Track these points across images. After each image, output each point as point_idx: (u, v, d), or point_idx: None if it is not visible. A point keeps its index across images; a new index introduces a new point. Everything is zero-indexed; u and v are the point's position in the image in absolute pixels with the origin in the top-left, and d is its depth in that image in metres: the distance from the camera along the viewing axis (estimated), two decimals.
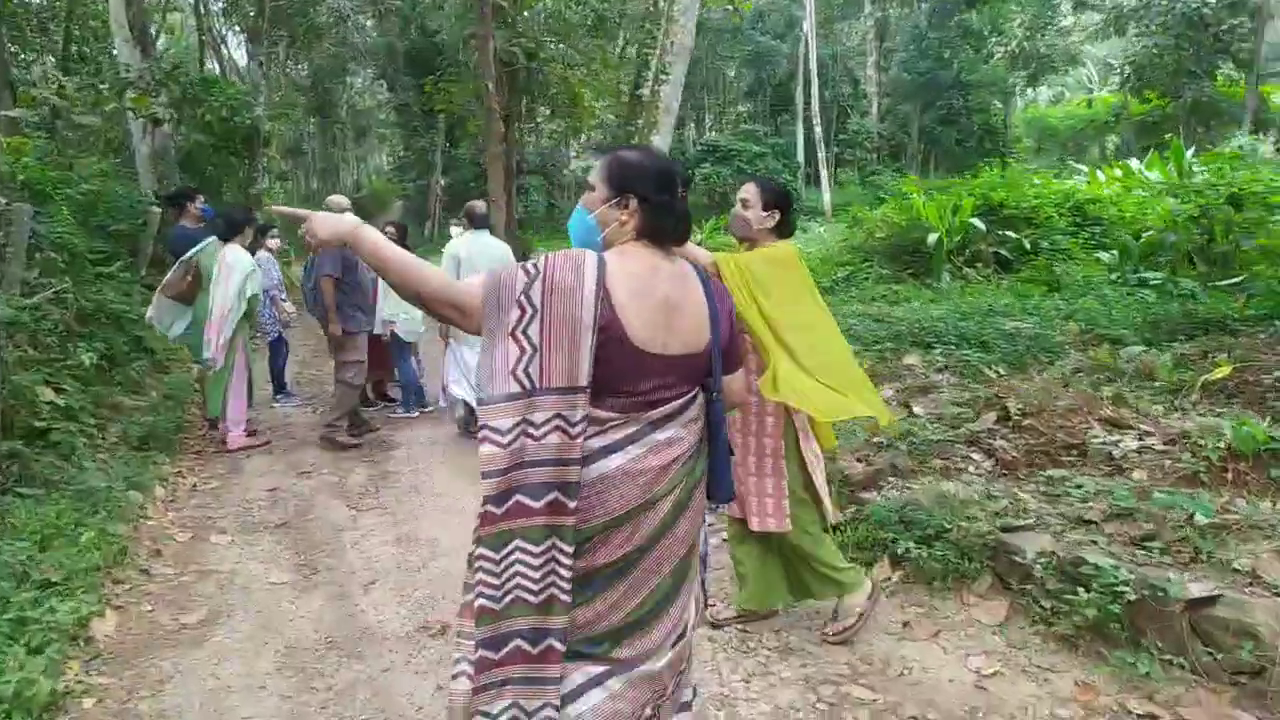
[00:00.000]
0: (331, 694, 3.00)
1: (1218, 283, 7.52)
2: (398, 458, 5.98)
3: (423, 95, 19.45)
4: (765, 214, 3.05)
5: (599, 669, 1.76)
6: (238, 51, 24.86)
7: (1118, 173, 14.37)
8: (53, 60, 13.33)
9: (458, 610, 1.85)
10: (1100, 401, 4.72)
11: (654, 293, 1.76)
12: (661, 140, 12.27)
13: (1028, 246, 10.23)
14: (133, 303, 7.34)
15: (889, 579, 3.63)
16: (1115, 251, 9.44)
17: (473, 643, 1.74)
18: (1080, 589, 2.98)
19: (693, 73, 15.24)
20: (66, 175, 8.57)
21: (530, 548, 1.68)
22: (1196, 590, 2.78)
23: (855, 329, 7.19)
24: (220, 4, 20.00)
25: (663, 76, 12.21)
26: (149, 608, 3.67)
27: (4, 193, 6.07)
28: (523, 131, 19.01)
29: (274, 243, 7.91)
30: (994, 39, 29.83)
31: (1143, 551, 3.15)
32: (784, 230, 3.11)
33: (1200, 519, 3.21)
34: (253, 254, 6.46)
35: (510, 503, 1.68)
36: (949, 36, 28.80)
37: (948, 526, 3.53)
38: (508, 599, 1.70)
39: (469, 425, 6.37)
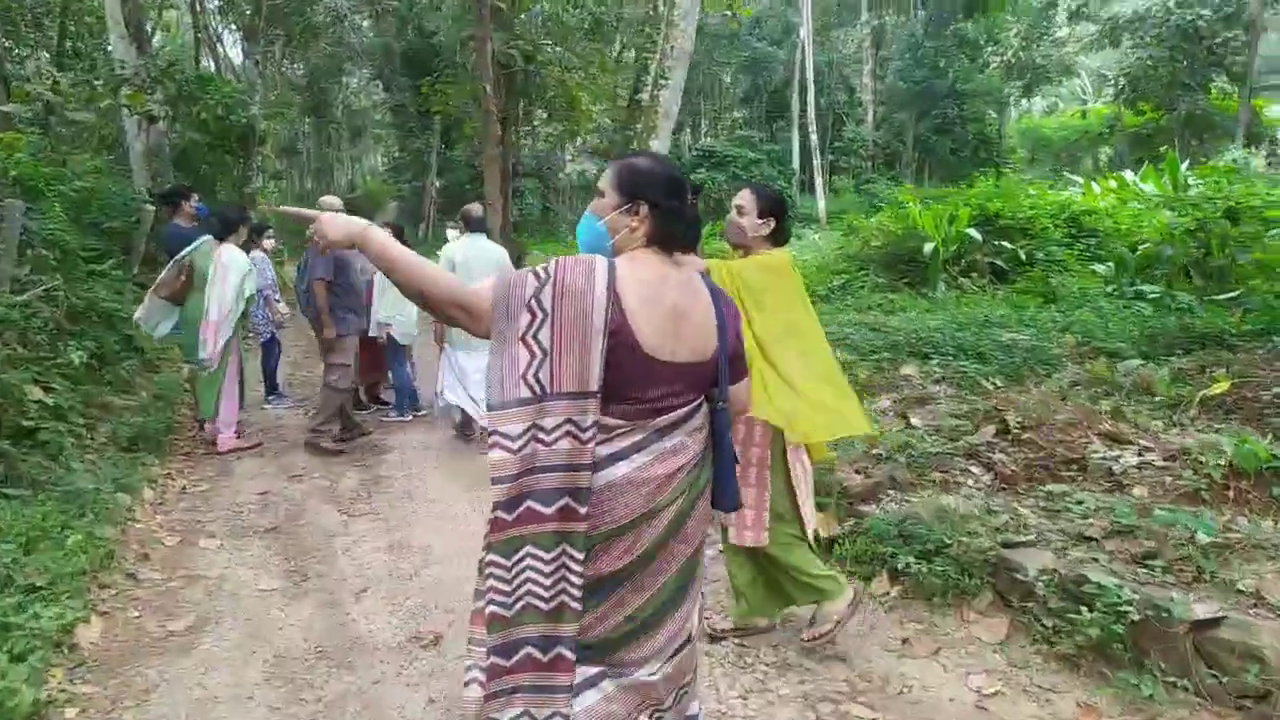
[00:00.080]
0: (321, 706, 2.95)
1: (1214, 297, 7.52)
2: (390, 462, 5.92)
3: (419, 96, 19.37)
4: (760, 221, 3.02)
5: (593, 670, 1.78)
6: (233, 50, 24.74)
7: (1112, 184, 14.41)
8: (47, 56, 13.25)
9: (469, 617, 1.86)
10: (1099, 416, 4.70)
11: (664, 300, 1.77)
12: (660, 145, 12.25)
13: (1023, 257, 10.23)
14: (124, 301, 7.26)
15: (888, 594, 3.59)
16: (1111, 264, 9.44)
17: (484, 649, 1.77)
18: (1083, 608, 2.95)
19: (689, 78, 15.15)
20: (60, 171, 8.48)
21: (541, 554, 1.70)
22: (1201, 611, 2.75)
23: (852, 338, 7.16)
24: (216, 2, 19.87)
25: (662, 81, 12.18)
26: (135, 614, 3.61)
27: None
28: (519, 134, 18.95)
29: (269, 243, 7.84)
30: (990, 49, 29.94)
31: (1145, 570, 3.12)
32: (779, 238, 3.09)
33: (1202, 538, 3.18)
34: (247, 253, 6.40)
35: (522, 508, 1.70)
36: (945, 45, 28.95)
37: (948, 541, 3.50)
38: (519, 605, 1.72)
39: (465, 430, 6.32)
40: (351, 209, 7.14)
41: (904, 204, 11.73)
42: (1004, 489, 4.12)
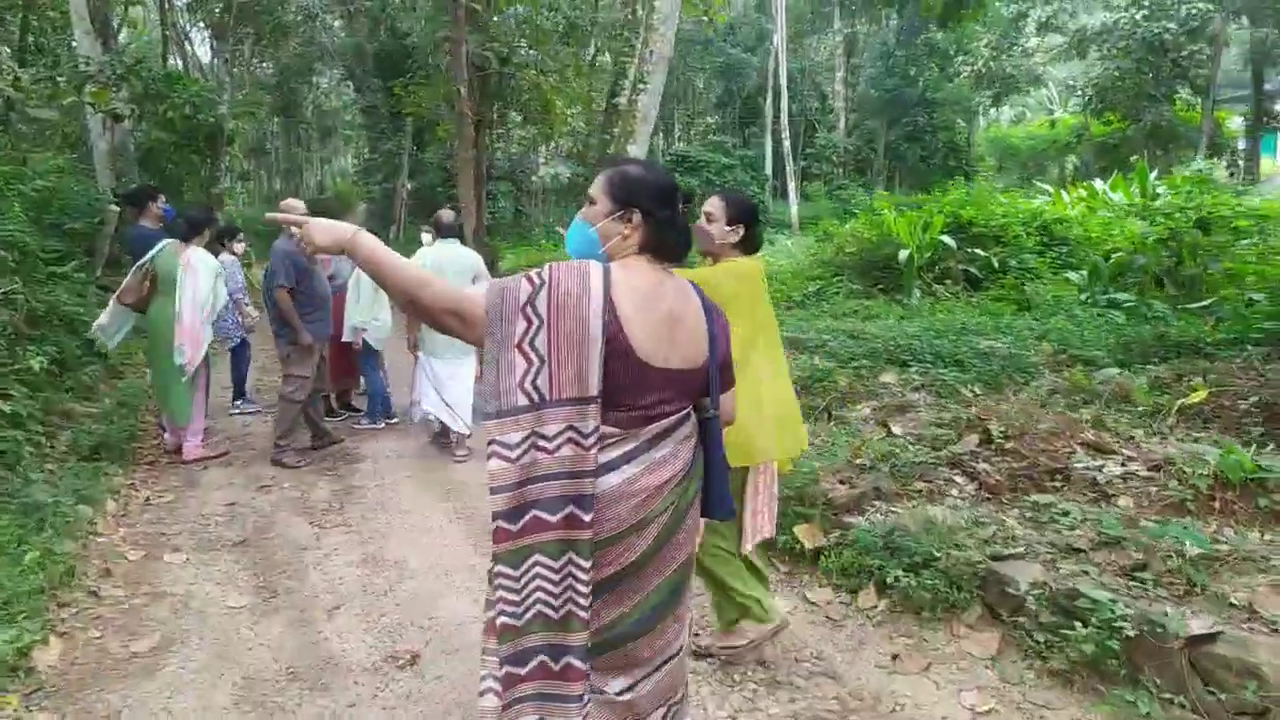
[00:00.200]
0: None
1: (1187, 305, 7.60)
2: (363, 471, 5.77)
3: (391, 98, 19.16)
4: (729, 229, 2.98)
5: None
6: (202, 48, 24.38)
7: (1082, 193, 14.59)
8: (8, 51, 12.83)
9: (482, 628, 1.88)
10: (1081, 425, 4.69)
11: (658, 306, 1.76)
12: (638, 150, 12.16)
13: (996, 265, 10.30)
14: (87, 304, 7.06)
15: (875, 607, 3.53)
16: (1084, 271, 9.52)
17: (497, 659, 1.75)
18: (1076, 623, 2.91)
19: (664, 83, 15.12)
20: (20, 170, 8.25)
21: (549, 562, 1.68)
22: (1196, 626, 2.71)
23: (830, 345, 7.14)
24: None
25: (641, 86, 12.10)
26: (97, 634, 3.45)
27: None
28: (493, 137, 18.79)
29: (239, 246, 7.64)
30: (960, 58, 30.22)
31: (1135, 583, 3.09)
32: (749, 245, 3.04)
33: (1193, 550, 3.15)
34: (215, 256, 6.23)
35: (527, 518, 1.68)
36: (916, 54, 29.21)
37: (936, 554, 3.44)
38: (529, 614, 1.70)
39: (443, 438, 6.20)
40: (322, 211, 7.00)
41: (879, 210, 11.76)
42: (989, 499, 4.08)
